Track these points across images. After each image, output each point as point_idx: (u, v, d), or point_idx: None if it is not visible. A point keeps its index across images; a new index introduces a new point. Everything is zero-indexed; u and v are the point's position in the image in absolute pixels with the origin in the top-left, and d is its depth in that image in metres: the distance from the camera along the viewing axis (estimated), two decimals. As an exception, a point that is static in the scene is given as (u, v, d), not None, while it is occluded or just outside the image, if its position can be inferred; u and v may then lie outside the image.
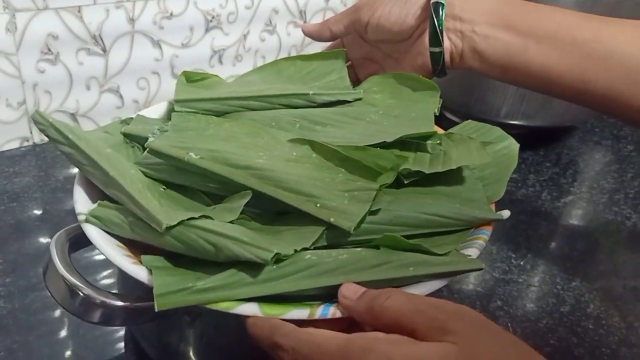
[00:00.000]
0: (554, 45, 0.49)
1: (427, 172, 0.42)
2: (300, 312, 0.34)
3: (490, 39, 0.51)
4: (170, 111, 0.53)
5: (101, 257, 0.58)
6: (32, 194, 0.67)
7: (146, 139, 0.46)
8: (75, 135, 0.43)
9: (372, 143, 0.44)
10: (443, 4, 0.52)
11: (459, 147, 0.46)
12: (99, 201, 0.41)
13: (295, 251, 0.36)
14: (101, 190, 0.42)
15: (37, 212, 0.65)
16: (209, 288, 0.35)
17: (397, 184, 0.42)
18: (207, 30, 0.85)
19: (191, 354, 0.42)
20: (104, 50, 0.76)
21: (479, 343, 0.30)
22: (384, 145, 0.44)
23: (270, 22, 0.91)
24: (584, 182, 0.80)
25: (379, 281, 0.35)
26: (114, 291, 0.37)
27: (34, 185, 0.69)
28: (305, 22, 0.95)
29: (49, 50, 0.72)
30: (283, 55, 0.95)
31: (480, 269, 0.38)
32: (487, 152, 0.45)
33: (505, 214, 0.43)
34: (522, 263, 0.63)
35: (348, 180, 0.41)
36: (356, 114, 0.50)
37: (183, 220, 0.36)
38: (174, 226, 0.36)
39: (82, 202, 0.42)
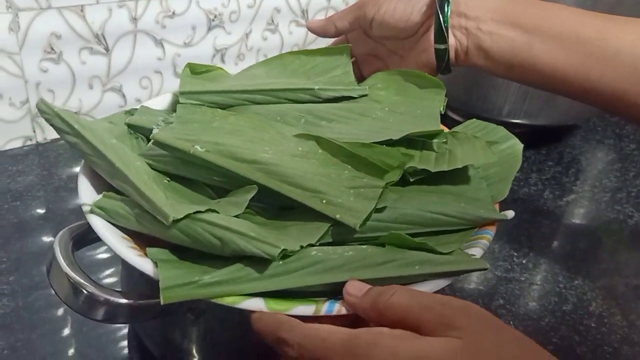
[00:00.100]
0: (560, 43, 0.49)
1: (432, 170, 0.42)
2: (306, 308, 0.34)
3: (496, 36, 0.51)
4: (174, 103, 0.52)
5: (104, 255, 0.58)
6: (35, 192, 0.68)
7: (150, 130, 0.45)
8: (81, 125, 0.43)
9: (378, 140, 0.44)
10: (449, 1, 0.52)
11: (464, 146, 0.46)
12: (104, 192, 0.41)
13: (301, 247, 0.36)
14: (106, 181, 0.42)
15: (40, 210, 0.65)
16: (214, 282, 0.35)
17: (403, 182, 0.42)
18: (210, 29, 0.85)
19: (194, 351, 0.43)
20: (107, 49, 0.77)
21: (484, 338, 0.30)
22: (390, 143, 0.44)
23: (273, 21, 0.91)
24: (586, 180, 0.80)
25: (384, 279, 0.35)
26: (117, 289, 0.38)
27: (37, 184, 0.69)
28: (307, 21, 0.95)
29: (52, 49, 0.73)
30: (285, 54, 0.95)
31: (485, 269, 0.38)
32: (492, 152, 0.45)
33: (510, 214, 0.43)
34: (524, 261, 0.63)
35: (354, 177, 0.41)
36: (362, 110, 0.50)
37: (189, 214, 0.36)
38: (181, 219, 0.36)
39: (86, 193, 0.42)
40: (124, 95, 0.81)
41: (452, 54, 0.53)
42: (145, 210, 0.38)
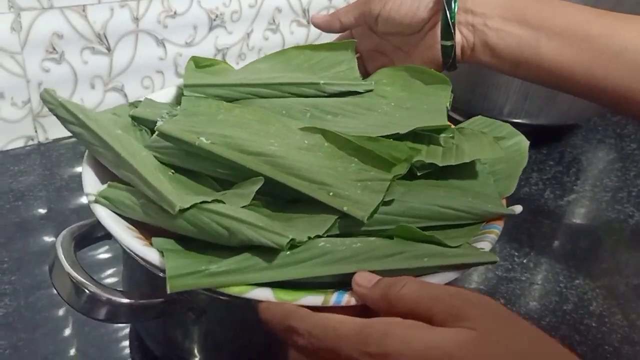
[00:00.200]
0: (566, 41, 0.49)
1: (440, 164, 0.42)
2: (315, 299, 0.34)
3: (502, 32, 0.51)
4: (178, 96, 0.52)
5: (106, 255, 0.58)
6: (37, 192, 0.68)
7: (154, 122, 0.45)
8: (86, 115, 0.42)
9: (385, 134, 0.43)
10: None
11: (471, 141, 0.46)
12: (109, 182, 0.41)
13: (309, 238, 0.36)
14: (110, 172, 0.42)
15: (42, 210, 0.65)
16: (222, 271, 0.34)
17: (410, 176, 0.42)
18: (211, 28, 0.85)
19: (196, 350, 0.43)
20: (109, 49, 0.77)
21: (496, 329, 0.29)
22: (396, 137, 0.44)
23: (274, 20, 0.91)
24: (587, 180, 0.80)
25: (393, 271, 0.35)
26: (119, 289, 0.38)
27: (38, 184, 0.69)
28: (308, 21, 0.95)
29: (54, 49, 0.73)
30: (286, 53, 0.95)
31: (494, 262, 0.38)
32: (500, 147, 0.45)
33: (517, 209, 0.42)
34: (525, 261, 0.63)
35: (361, 170, 0.41)
36: (368, 105, 0.50)
37: (196, 204, 0.36)
38: (187, 209, 0.35)
39: (90, 183, 0.42)
40: (125, 95, 0.81)
41: (458, 51, 0.53)
42: (151, 200, 0.37)
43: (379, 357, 0.29)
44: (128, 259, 0.44)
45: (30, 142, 0.77)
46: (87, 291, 0.37)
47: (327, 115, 0.48)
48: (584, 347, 0.53)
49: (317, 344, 0.32)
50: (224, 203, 0.37)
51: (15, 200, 0.66)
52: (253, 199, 0.38)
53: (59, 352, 0.49)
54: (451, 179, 0.44)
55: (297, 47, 0.57)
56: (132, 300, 0.37)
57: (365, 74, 0.58)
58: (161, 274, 0.35)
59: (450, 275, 0.37)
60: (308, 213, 0.39)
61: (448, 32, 0.52)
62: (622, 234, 0.70)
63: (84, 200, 0.67)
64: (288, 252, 0.35)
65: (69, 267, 0.37)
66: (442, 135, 0.46)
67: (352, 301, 0.34)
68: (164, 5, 0.79)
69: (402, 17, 0.54)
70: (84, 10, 0.73)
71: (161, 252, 0.36)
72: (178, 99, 0.51)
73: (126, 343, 0.50)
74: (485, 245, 0.39)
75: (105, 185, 0.41)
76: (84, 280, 0.37)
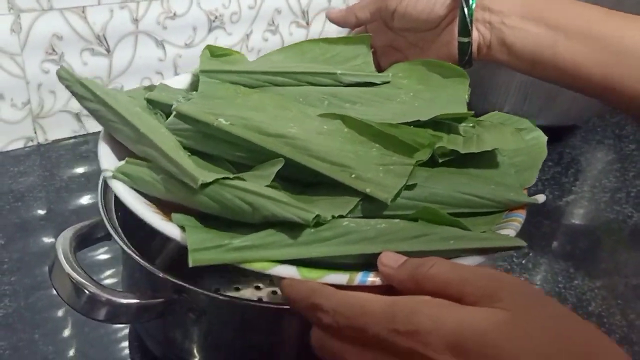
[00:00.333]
0: (584, 41, 0.49)
1: (462, 152, 0.42)
2: (340, 277, 0.33)
3: (520, 31, 0.51)
4: (193, 83, 0.51)
5: (105, 256, 0.58)
6: (37, 193, 0.68)
7: (170, 106, 0.43)
8: (103, 91, 0.42)
9: (405, 121, 0.43)
10: None
11: (492, 132, 0.45)
12: (127, 158, 0.40)
13: (333, 217, 0.35)
14: (127, 150, 0.41)
15: (42, 211, 0.65)
16: (245, 246, 0.33)
17: (431, 163, 0.42)
18: (210, 30, 0.85)
19: (195, 351, 0.43)
20: (108, 50, 0.77)
21: (531, 311, 0.29)
22: (416, 126, 0.43)
23: (273, 22, 0.91)
24: (586, 181, 0.81)
25: (418, 252, 0.34)
26: (118, 289, 0.38)
27: (38, 184, 0.69)
28: (307, 22, 0.95)
29: (54, 50, 0.73)
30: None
31: (522, 247, 0.37)
32: (522, 137, 0.45)
33: (541, 198, 0.42)
34: (523, 262, 0.63)
35: (383, 154, 0.40)
36: (386, 95, 0.49)
37: (218, 179, 0.35)
38: (209, 184, 0.34)
39: (107, 159, 0.41)
40: (125, 96, 0.81)
41: (474, 48, 0.53)
42: (171, 176, 0.36)
43: (407, 334, 0.29)
44: (128, 260, 0.44)
45: (30, 143, 0.77)
46: (86, 292, 0.37)
47: (346, 103, 0.47)
48: (582, 347, 0.53)
49: (343, 322, 0.31)
50: (245, 181, 0.36)
51: (15, 201, 0.66)
52: (271, 183, 0.37)
53: (59, 352, 0.49)
54: (472, 168, 0.43)
55: (312, 41, 0.56)
56: (132, 301, 0.37)
57: (379, 69, 0.57)
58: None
59: (477, 259, 0.36)
60: (329, 196, 0.38)
61: (465, 29, 0.52)
62: (620, 234, 0.70)
63: (83, 201, 0.67)
64: (312, 230, 0.34)
65: (68, 268, 0.37)
66: (463, 124, 0.45)
67: (378, 281, 0.34)
68: (164, 6, 0.79)
69: (418, 13, 0.54)
70: (83, 12, 0.73)
71: (182, 227, 0.35)
72: (193, 86, 0.50)
73: (126, 343, 0.50)
74: (509, 232, 0.38)
75: (123, 162, 0.40)
76: (84, 281, 0.37)
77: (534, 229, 0.69)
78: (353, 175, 0.37)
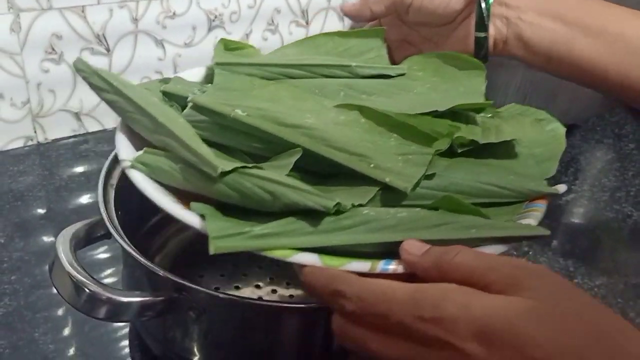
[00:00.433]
0: (602, 39, 0.49)
1: (481, 142, 0.41)
2: (361, 265, 0.33)
3: (537, 27, 0.51)
4: (208, 76, 0.51)
5: (105, 255, 0.58)
6: (37, 192, 0.68)
7: (185, 98, 0.43)
8: (120, 82, 0.42)
9: (423, 112, 0.42)
10: None
11: (510, 123, 0.45)
12: (145, 147, 0.40)
13: (353, 206, 0.35)
14: (143, 140, 0.41)
15: (42, 210, 0.65)
16: (266, 234, 0.33)
17: (450, 153, 0.41)
18: (210, 29, 0.85)
19: (195, 349, 0.43)
20: (108, 49, 0.77)
21: (560, 301, 0.29)
22: (434, 116, 0.43)
23: (273, 21, 0.91)
24: (586, 180, 0.81)
25: (439, 241, 0.34)
26: (118, 288, 0.38)
27: (38, 184, 0.69)
28: (307, 21, 0.95)
29: (53, 49, 0.73)
30: (285, 54, 0.95)
31: (546, 235, 0.36)
32: (542, 127, 0.45)
33: (562, 188, 0.42)
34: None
35: (401, 144, 0.40)
36: (402, 86, 0.49)
37: (237, 167, 0.34)
38: (229, 173, 0.34)
39: (125, 150, 0.41)
40: (124, 96, 0.81)
41: (490, 43, 0.53)
42: (190, 165, 0.36)
43: (433, 321, 0.29)
44: (128, 258, 0.45)
45: (30, 143, 0.77)
46: (87, 290, 0.37)
47: (362, 94, 0.47)
48: (582, 346, 0.53)
49: (366, 309, 0.31)
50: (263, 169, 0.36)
51: (14, 201, 0.66)
52: (289, 173, 0.36)
53: (59, 351, 0.49)
54: (491, 158, 0.42)
55: (326, 34, 0.56)
56: (132, 299, 0.37)
57: (393, 64, 0.57)
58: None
59: (499, 248, 0.36)
60: (347, 186, 0.37)
61: (482, 24, 0.52)
62: (620, 233, 0.70)
63: (83, 200, 0.67)
64: (332, 218, 0.34)
65: (69, 267, 0.37)
66: (481, 115, 0.45)
67: (399, 269, 0.33)
68: (163, 6, 0.79)
69: (435, 8, 0.53)
70: (83, 11, 0.73)
71: (201, 216, 0.35)
72: (207, 79, 0.50)
73: (126, 342, 0.50)
74: (530, 222, 0.38)
75: (141, 152, 0.40)
76: (84, 280, 0.37)
77: (533, 228, 0.69)
78: (372, 165, 0.37)
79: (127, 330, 0.51)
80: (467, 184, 0.40)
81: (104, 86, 0.42)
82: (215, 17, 0.84)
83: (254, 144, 0.39)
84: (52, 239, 0.61)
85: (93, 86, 0.43)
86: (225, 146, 0.40)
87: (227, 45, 0.53)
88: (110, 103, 0.42)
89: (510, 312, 0.28)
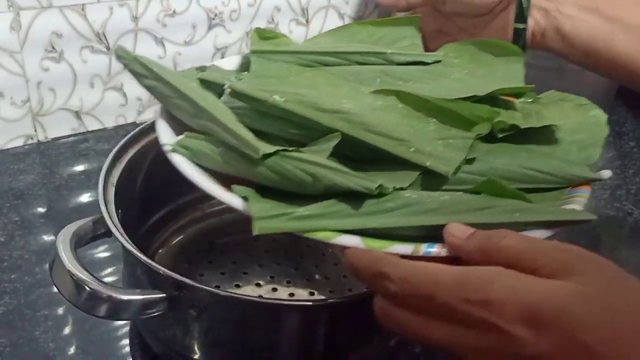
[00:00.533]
0: None
1: (522, 126, 0.41)
2: (404, 247, 0.33)
3: (576, 20, 0.50)
4: (244, 64, 0.51)
5: (106, 253, 0.58)
6: (37, 191, 0.68)
7: (222, 86, 0.43)
8: (160, 68, 0.42)
9: (461, 97, 0.42)
10: None
11: (550, 108, 0.44)
12: (186, 132, 0.40)
13: (394, 189, 0.35)
14: (183, 127, 0.41)
15: (42, 209, 0.65)
16: (308, 215, 0.33)
17: (490, 138, 0.41)
18: (210, 27, 0.85)
19: (196, 348, 0.43)
20: (108, 48, 0.77)
21: (613, 286, 0.28)
22: (473, 101, 0.42)
23: (273, 19, 0.91)
24: (586, 178, 0.81)
25: (483, 224, 0.34)
26: (119, 286, 0.38)
27: (38, 182, 0.69)
28: (307, 20, 0.95)
29: (53, 48, 0.73)
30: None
31: (592, 220, 0.36)
32: (584, 112, 0.44)
33: (606, 174, 0.41)
34: (524, 259, 0.63)
35: (441, 129, 0.40)
36: (439, 72, 0.48)
37: (278, 150, 0.34)
38: (270, 155, 0.34)
39: (165, 134, 0.41)
40: (124, 94, 0.81)
41: (528, 34, 0.52)
42: (231, 148, 0.36)
43: (480, 304, 0.28)
44: (128, 257, 0.45)
45: (30, 141, 0.77)
46: (87, 288, 0.37)
47: (398, 81, 0.47)
48: (583, 343, 0.53)
49: (409, 291, 0.30)
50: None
51: (15, 199, 0.66)
52: (327, 159, 0.36)
53: (59, 349, 0.49)
54: (532, 144, 0.42)
55: (360, 22, 0.55)
56: (133, 297, 0.38)
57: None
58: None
59: (544, 233, 0.35)
60: (387, 171, 0.37)
61: (521, 15, 0.52)
62: (621, 231, 0.70)
63: (83, 199, 0.67)
64: (374, 201, 0.34)
65: (69, 265, 0.37)
66: (521, 100, 0.44)
67: (443, 252, 0.33)
68: (163, 4, 0.79)
69: None
70: (83, 9, 0.73)
71: (244, 197, 0.35)
72: (243, 67, 0.50)
73: (126, 341, 0.50)
74: (574, 207, 0.37)
75: (182, 136, 0.40)
76: (85, 278, 0.37)
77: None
78: (412, 149, 0.37)
79: (127, 328, 0.51)
80: (509, 169, 0.39)
81: (144, 72, 0.43)
82: (216, 15, 0.84)
83: (292, 130, 0.39)
84: (52, 237, 0.61)
85: (133, 72, 0.43)
86: (264, 132, 0.40)
87: (261, 35, 0.52)
88: (150, 89, 0.43)
89: (560, 296, 0.27)
